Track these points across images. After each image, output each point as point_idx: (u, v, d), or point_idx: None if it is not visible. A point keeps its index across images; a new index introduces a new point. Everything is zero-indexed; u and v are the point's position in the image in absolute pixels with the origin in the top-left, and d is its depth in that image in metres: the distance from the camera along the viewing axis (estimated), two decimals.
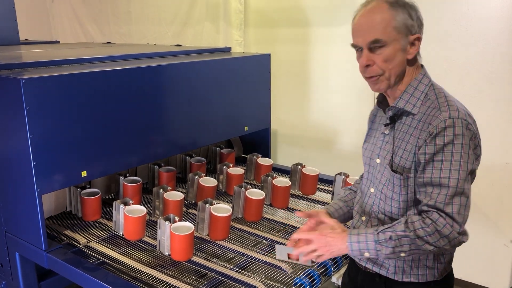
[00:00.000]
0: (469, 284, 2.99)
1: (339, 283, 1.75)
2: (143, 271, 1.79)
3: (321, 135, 3.49)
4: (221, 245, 2.01)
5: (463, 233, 1.27)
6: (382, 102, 1.50)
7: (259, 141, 3.09)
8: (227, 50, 3.21)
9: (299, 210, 2.12)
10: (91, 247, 2.00)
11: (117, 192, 2.53)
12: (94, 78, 2.00)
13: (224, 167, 2.62)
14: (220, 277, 1.74)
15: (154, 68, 2.26)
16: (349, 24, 1.42)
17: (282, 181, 2.40)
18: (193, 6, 3.98)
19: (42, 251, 1.90)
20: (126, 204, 2.09)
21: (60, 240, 2.06)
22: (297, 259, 1.82)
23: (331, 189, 2.50)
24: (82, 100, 1.94)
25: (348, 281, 1.64)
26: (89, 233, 2.13)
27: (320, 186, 2.63)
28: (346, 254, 1.38)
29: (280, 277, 1.73)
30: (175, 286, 1.68)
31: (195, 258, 1.89)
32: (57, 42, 4.46)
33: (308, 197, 2.52)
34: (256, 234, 2.11)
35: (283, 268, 1.79)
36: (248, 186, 2.28)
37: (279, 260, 1.84)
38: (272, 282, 1.70)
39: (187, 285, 1.69)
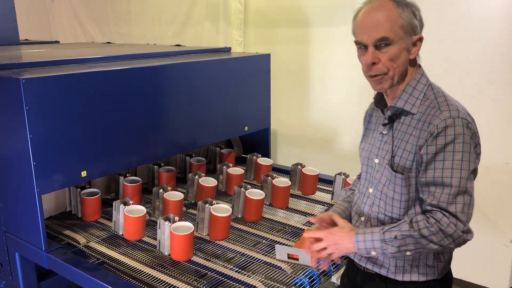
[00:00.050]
0: (469, 284, 2.99)
1: (339, 283, 1.75)
2: (143, 271, 1.79)
3: (321, 135, 3.49)
4: (221, 245, 2.01)
5: (468, 231, 1.28)
6: (379, 102, 1.50)
7: (259, 141, 3.09)
8: (227, 50, 3.21)
9: (313, 215, 2.16)
10: (91, 247, 2.00)
11: (117, 192, 2.53)
12: (94, 78, 2.00)
13: (224, 167, 2.62)
14: (220, 277, 1.74)
15: (154, 68, 2.26)
16: (349, 24, 1.42)
17: (282, 181, 2.40)
18: (193, 6, 3.98)
19: (42, 251, 1.90)
20: (126, 204, 2.09)
21: (60, 240, 2.06)
22: (297, 259, 1.82)
23: (331, 189, 2.50)
24: (82, 100, 1.94)
25: (347, 282, 1.64)
26: (89, 233, 2.13)
27: (320, 186, 2.63)
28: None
29: (280, 277, 1.73)
30: (175, 286, 1.68)
31: (195, 258, 1.89)
32: (57, 42, 4.46)
33: (308, 197, 2.52)
34: (256, 234, 2.11)
35: (283, 268, 1.79)
36: (248, 186, 2.28)
37: (279, 260, 1.84)
38: (272, 282, 1.70)
39: (187, 285, 1.69)
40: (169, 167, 2.61)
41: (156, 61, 2.45)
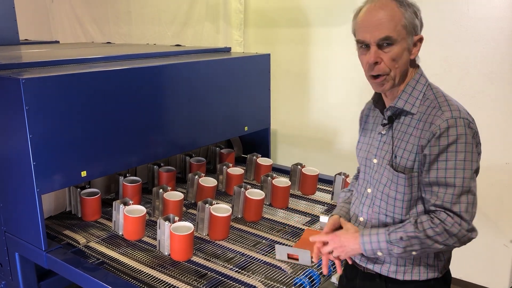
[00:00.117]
0: (469, 284, 2.99)
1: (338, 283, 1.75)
2: (143, 271, 1.79)
3: (321, 135, 3.49)
4: (221, 245, 2.01)
5: (472, 230, 1.30)
6: (378, 102, 1.49)
7: (258, 141, 3.09)
8: (227, 50, 3.21)
9: (313, 215, 2.20)
10: (91, 247, 2.00)
11: (116, 192, 2.53)
12: (94, 78, 2.00)
13: (224, 167, 2.62)
14: (220, 277, 1.74)
15: (154, 68, 2.26)
16: (349, 24, 1.42)
17: (282, 181, 2.40)
18: (193, 6, 3.98)
19: (41, 251, 1.90)
20: (125, 204, 2.09)
21: (60, 240, 2.06)
22: (297, 259, 1.82)
23: (331, 189, 2.50)
24: (82, 100, 1.94)
25: (346, 283, 1.64)
26: (88, 233, 2.13)
27: (320, 186, 2.63)
28: None
29: (280, 277, 1.73)
30: (175, 286, 1.68)
31: (195, 258, 1.89)
32: (57, 42, 4.46)
33: (307, 197, 2.52)
34: (256, 234, 2.11)
35: (283, 268, 1.79)
36: (248, 186, 2.28)
37: (279, 260, 1.84)
38: (272, 282, 1.70)
39: (187, 285, 1.69)
40: (169, 167, 2.61)
41: (156, 61, 2.45)
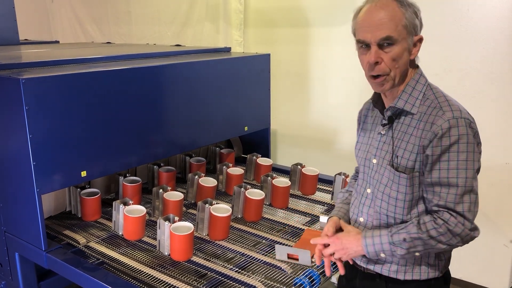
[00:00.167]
0: (469, 284, 2.99)
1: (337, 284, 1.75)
2: (143, 271, 1.79)
3: (321, 135, 3.49)
4: (221, 245, 2.01)
5: (474, 229, 1.31)
6: (377, 102, 1.49)
7: (258, 141, 3.09)
8: (227, 50, 3.21)
9: (313, 215, 2.21)
10: (91, 247, 2.00)
11: (116, 192, 2.53)
12: (94, 78, 2.00)
13: (224, 167, 2.62)
14: (220, 277, 1.74)
15: (154, 68, 2.26)
16: (349, 24, 1.41)
17: (282, 181, 2.40)
18: (193, 6, 3.98)
19: (41, 251, 1.90)
20: (125, 204, 2.09)
21: (60, 240, 2.06)
22: (297, 259, 1.82)
23: (331, 189, 2.50)
24: (82, 100, 1.94)
25: (345, 284, 1.64)
26: (88, 233, 2.13)
27: (320, 186, 2.63)
28: None
29: (280, 277, 1.73)
30: (175, 286, 1.68)
31: (194, 258, 1.89)
32: (57, 42, 4.46)
33: (307, 197, 2.52)
34: (256, 234, 2.11)
35: (283, 268, 1.79)
36: (248, 186, 2.28)
37: (279, 260, 1.84)
38: (272, 282, 1.70)
39: (187, 285, 1.69)
40: (169, 167, 2.61)
41: (156, 61, 2.45)
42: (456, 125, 1.29)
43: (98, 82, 2.01)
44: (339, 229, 1.53)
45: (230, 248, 1.97)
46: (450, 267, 1.50)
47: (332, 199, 2.46)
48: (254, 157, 2.78)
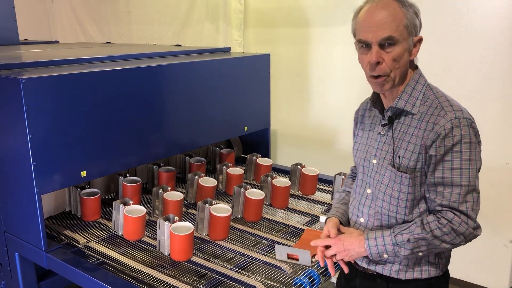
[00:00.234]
0: (469, 284, 2.99)
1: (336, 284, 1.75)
2: (142, 271, 1.79)
3: (321, 135, 3.49)
4: (221, 245, 2.01)
5: (477, 227, 1.33)
6: (376, 102, 1.49)
7: (258, 141, 3.09)
8: (227, 50, 3.21)
9: (313, 215, 2.22)
10: (91, 247, 2.00)
11: (116, 192, 2.53)
12: (94, 78, 2.00)
13: (224, 167, 2.62)
14: (220, 277, 1.74)
15: (154, 68, 2.26)
16: (349, 24, 1.41)
17: (282, 181, 2.40)
18: (193, 6, 3.98)
19: (41, 251, 1.90)
20: (125, 204, 2.09)
21: (60, 240, 2.06)
22: (297, 259, 1.82)
23: (331, 189, 2.50)
24: (82, 100, 1.94)
25: (345, 284, 1.64)
26: (88, 233, 2.13)
27: (320, 186, 2.62)
28: None
29: (280, 277, 1.73)
30: (175, 286, 1.68)
31: (194, 258, 1.89)
32: (57, 42, 4.46)
33: (307, 197, 2.52)
34: (256, 234, 2.11)
35: (283, 268, 1.79)
36: (248, 186, 2.28)
37: (279, 260, 1.84)
38: (271, 282, 1.70)
39: (186, 285, 1.69)
40: (169, 167, 2.61)
41: (156, 61, 2.45)
42: (458, 125, 1.29)
43: (98, 82, 2.01)
44: (338, 231, 1.53)
45: (230, 248, 1.97)
46: (450, 267, 1.51)
47: (332, 199, 2.46)
48: (254, 157, 2.78)
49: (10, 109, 1.83)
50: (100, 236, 2.09)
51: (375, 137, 1.48)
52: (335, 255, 1.46)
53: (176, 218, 1.94)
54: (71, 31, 5.10)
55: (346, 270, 1.51)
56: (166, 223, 1.89)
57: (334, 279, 1.77)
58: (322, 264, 1.52)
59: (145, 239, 2.07)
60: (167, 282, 1.71)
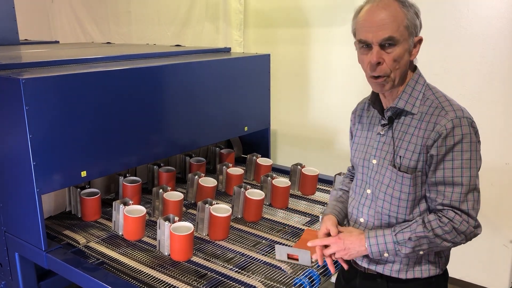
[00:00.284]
0: (469, 284, 2.99)
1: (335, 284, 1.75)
2: (142, 271, 1.79)
3: (321, 135, 3.49)
4: (221, 245, 2.01)
5: (478, 226, 1.34)
6: (375, 102, 1.49)
7: (258, 141, 3.09)
8: (227, 50, 3.21)
9: (313, 215, 2.17)
10: (91, 247, 2.00)
11: (116, 192, 2.53)
12: (94, 78, 2.00)
13: (224, 167, 2.62)
14: (220, 277, 1.74)
15: (154, 68, 2.26)
16: (349, 24, 1.41)
17: (282, 181, 2.40)
18: (193, 6, 3.98)
19: (41, 251, 1.90)
20: (125, 204, 2.09)
21: (60, 240, 2.06)
22: (297, 259, 1.82)
23: (331, 189, 2.50)
24: (82, 100, 1.94)
25: (344, 284, 1.63)
26: (88, 233, 2.13)
27: (320, 186, 2.62)
28: None
29: (280, 277, 1.73)
30: (175, 286, 1.68)
31: (194, 258, 1.89)
32: (57, 42, 4.46)
33: (307, 197, 2.52)
34: (256, 234, 2.11)
35: (282, 268, 1.79)
36: (248, 186, 2.28)
37: (278, 260, 1.84)
38: (271, 282, 1.70)
39: (186, 285, 1.69)
40: (169, 167, 2.61)
41: (156, 61, 2.45)
42: (459, 125, 1.30)
43: (98, 82, 2.01)
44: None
45: (230, 248, 1.97)
46: (450, 268, 1.51)
47: None
48: (254, 157, 2.78)
49: (10, 109, 1.83)
50: (100, 236, 2.09)
51: (375, 137, 1.48)
52: (334, 253, 1.46)
53: (176, 218, 1.94)
54: (71, 31, 5.10)
55: (346, 267, 1.51)
56: (166, 223, 1.89)
57: (334, 279, 1.77)
58: (320, 263, 1.52)
59: (145, 239, 2.07)
60: (167, 282, 1.71)
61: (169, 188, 2.28)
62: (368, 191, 1.48)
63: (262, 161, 2.75)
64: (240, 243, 2.02)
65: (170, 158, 2.84)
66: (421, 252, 1.36)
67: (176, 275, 1.77)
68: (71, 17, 5.07)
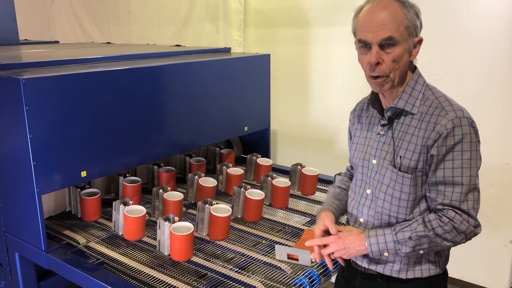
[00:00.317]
0: (469, 285, 2.99)
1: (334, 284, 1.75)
2: (142, 271, 1.79)
3: (321, 135, 3.49)
4: (221, 245, 2.01)
5: (478, 225, 1.35)
6: (374, 102, 1.49)
7: (258, 141, 3.09)
8: (227, 50, 3.21)
9: (313, 216, 2.20)
10: (91, 247, 2.00)
11: (116, 192, 2.53)
12: (94, 78, 2.00)
13: (224, 167, 2.62)
14: (220, 278, 1.74)
15: (154, 68, 2.26)
16: (349, 24, 1.41)
17: (282, 181, 2.40)
18: (193, 6, 3.98)
19: (41, 251, 1.90)
20: (125, 204, 2.09)
21: (60, 240, 2.06)
22: (297, 259, 1.82)
23: (328, 187, 2.50)
24: (82, 100, 1.94)
25: (344, 284, 1.63)
26: (88, 233, 2.13)
27: (320, 187, 2.62)
28: None
29: (280, 278, 1.73)
30: (175, 286, 1.68)
31: (194, 258, 1.89)
32: (57, 42, 4.46)
33: (307, 197, 2.52)
34: (256, 234, 2.11)
35: (282, 268, 1.79)
36: (248, 186, 2.28)
37: (278, 260, 1.84)
38: (271, 283, 1.70)
39: (186, 285, 1.69)
40: (169, 167, 2.61)
41: (156, 61, 2.45)
42: (459, 125, 1.30)
43: (98, 82, 2.01)
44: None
45: (230, 248, 1.97)
46: (450, 268, 1.51)
47: None
48: (254, 157, 2.78)
49: (10, 109, 1.83)
50: (100, 236, 2.09)
51: (374, 137, 1.48)
52: (332, 253, 1.45)
53: (176, 218, 1.94)
54: (71, 31, 5.10)
55: (343, 263, 1.51)
56: (166, 223, 1.89)
57: (334, 279, 1.77)
58: (318, 260, 1.51)
59: (145, 239, 2.07)
60: (167, 282, 1.71)
61: (169, 188, 2.28)
62: (368, 191, 1.48)
63: (262, 161, 2.75)
64: (240, 243, 2.02)
65: (170, 158, 2.84)
66: (421, 252, 1.37)
67: (176, 275, 1.77)
68: (71, 17, 5.07)
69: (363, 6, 1.36)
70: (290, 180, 2.50)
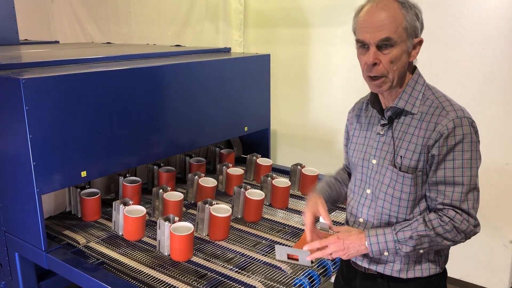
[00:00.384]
0: (468, 285, 2.99)
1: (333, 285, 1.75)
2: (142, 271, 1.79)
3: (321, 135, 3.49)
4: (221, 245, 2.01)
5: (477, 225, 1.36)
6: (374, 102, 1.49)
7: (258, 141, 3.09)
8: (227, 50, 3.21)
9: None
10: (91, 247, 2.00)
11: (116, 192, 2.53)
12: (94, 78, 2.00)
13: (224, 167, 2.62)
14: (220, 278, 1.74)
15: (154, 68, 2.26)
16: (349, 25, 1.41)
17: (282, 181, 2.40)
18: (193, 6, 3.98)
19: (41, 251, 1.90)
20: (125, 204, 2.09)
21: (60, 240, 2.06)
22: (297, 259, 1.82)
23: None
24: (82, 100, 1.94)
25: (344, 284, 1.63)
26: (88, 233, 2.13)
27: None
28: None
29: (280, 278, 1.73)
30: (175, 286, 1.68)
31: (194, 259, 1.89)
32: (57, 42, 4.46)
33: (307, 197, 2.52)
34: (256, 234, 2.11)
35: (282, 268, 1.79)
36: (248, 186, 2.28)
37: (278, 261, 1.84)
38: (271, 283, 1.70)
39: (186, 285, 1.69)
40: (169, 167, 2.61)
41: (156, 61, 2.45)
42: (460, 125, 1.31)
43: (98, 82, 2.01)
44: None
45: (230, 248, 1.97)
46: (450, 267, 1.51)
47: None
48: (254, 157, 2.78)
49: (10, 109, 1.83)
50: (100, 236, 2.09)
51: (374, 137, 1.48)
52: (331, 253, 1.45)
53: (176, 218, 1.94)
54: (71, 31, 5.10)
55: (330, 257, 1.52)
56: (166, 223, 1.89)
57: (333, 279, 1.77)
58: (315, 258, 1.52)
59: (145, 239, 2.07)
60: (167, 282, 1.71)
61: (169, 188, 2.28)
62: (368, 191, 1.48)
63: (262, 161, 2.75)
64: (240, 243, 2.02)
65: (170, 158, 2.84)
66: (421, 251, 1.37)
67: (176, 275, 1.77)
68: (71, 17, 5.07)
69: (364, 6, 1.36)
70: (290, 180, 2.50)
